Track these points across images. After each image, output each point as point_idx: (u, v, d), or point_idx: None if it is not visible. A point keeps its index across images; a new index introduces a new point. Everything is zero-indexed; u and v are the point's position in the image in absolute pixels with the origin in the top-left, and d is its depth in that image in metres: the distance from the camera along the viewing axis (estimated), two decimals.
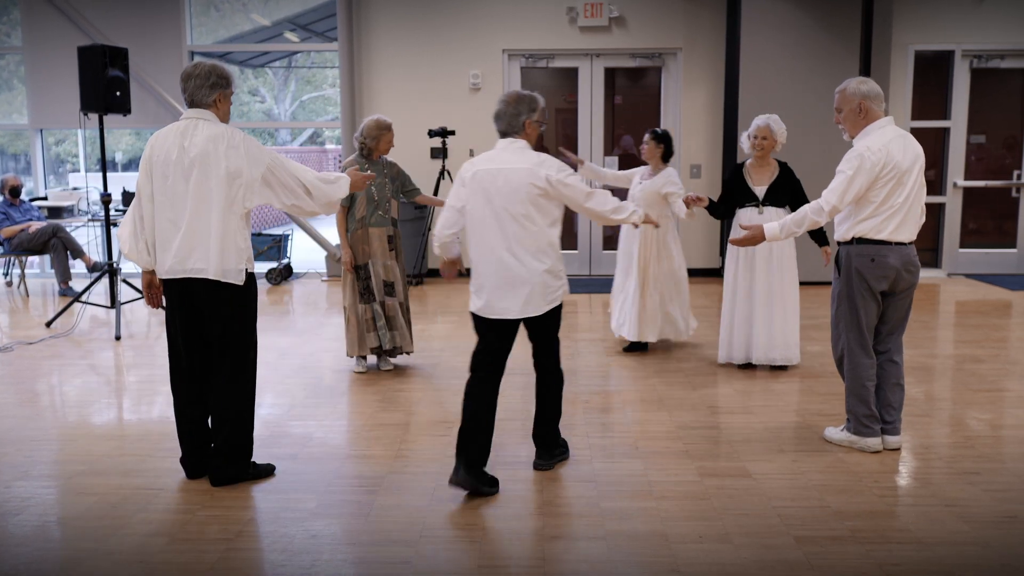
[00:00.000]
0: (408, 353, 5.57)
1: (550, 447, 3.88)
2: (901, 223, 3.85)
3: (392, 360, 5.67)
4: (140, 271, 3.70)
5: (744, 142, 5.36)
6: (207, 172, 3.45)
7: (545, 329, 3.71)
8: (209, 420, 3.75)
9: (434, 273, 9.37)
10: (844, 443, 4.10)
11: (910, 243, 3.92)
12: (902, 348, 4.09)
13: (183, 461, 3.77)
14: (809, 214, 3.91)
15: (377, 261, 5.34)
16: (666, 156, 5.73)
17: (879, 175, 3.79)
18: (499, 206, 3.52)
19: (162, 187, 3.51)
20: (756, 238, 4.02)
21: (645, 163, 5.86)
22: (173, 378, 3.71)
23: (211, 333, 3.61)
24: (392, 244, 5.41)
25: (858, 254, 3.90)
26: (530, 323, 3.67)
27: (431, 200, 5.69)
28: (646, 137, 5.78)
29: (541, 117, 3.65)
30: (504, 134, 3.64)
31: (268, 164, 3.52)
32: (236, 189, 3.47)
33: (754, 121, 5.32)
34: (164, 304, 3.71)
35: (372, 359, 5.69)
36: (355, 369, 5.55)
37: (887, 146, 3.81)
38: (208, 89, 3.52)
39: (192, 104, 3.55)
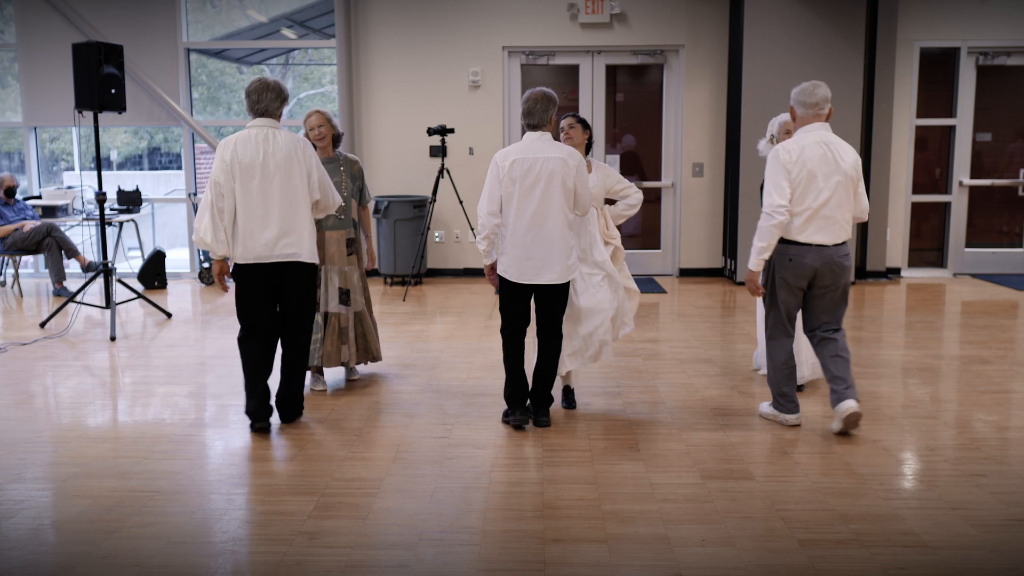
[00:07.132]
0: (376, 360, 5.21)
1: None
2: (819, 227, 4.08)
3: (354, 368, 5.26)
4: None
5: (762, 145, 5.06)
6: (291, 172, 4.23)
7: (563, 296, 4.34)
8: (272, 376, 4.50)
9: (433, 273, 9.31)
10: (768, 416, 4.45)
11: (835, 244, 4.12)
12: (840, 325, 4.26)
13: (251, 412, 4.32)
14: (760, 224, 4.14)
15: (334, 267, 4.92)
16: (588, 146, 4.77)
17: (791, 175, 4.05)
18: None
19: (249, 186, 4.17)
20: (753, 282, 4.27)
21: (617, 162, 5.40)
22: (247, 345, 4.33)
23: (290, 304, 4.36)
24: (351, 248, 5.00)
25: (779, 252, 4.19)
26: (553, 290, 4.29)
27: (365, 225, 5.24)
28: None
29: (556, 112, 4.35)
30: (534, 128, 4.25)
31: (317, 167, 4.37)
32: (311, 186, 4.30)
33: (776, 119, 4.96)
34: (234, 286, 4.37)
35: (331, 374, 5.34)
36: (315, 388, 5.06)
37: (802, 148, 4.07)
38: (279, 103, 4.30)
39: (264, 114, 4.25)
